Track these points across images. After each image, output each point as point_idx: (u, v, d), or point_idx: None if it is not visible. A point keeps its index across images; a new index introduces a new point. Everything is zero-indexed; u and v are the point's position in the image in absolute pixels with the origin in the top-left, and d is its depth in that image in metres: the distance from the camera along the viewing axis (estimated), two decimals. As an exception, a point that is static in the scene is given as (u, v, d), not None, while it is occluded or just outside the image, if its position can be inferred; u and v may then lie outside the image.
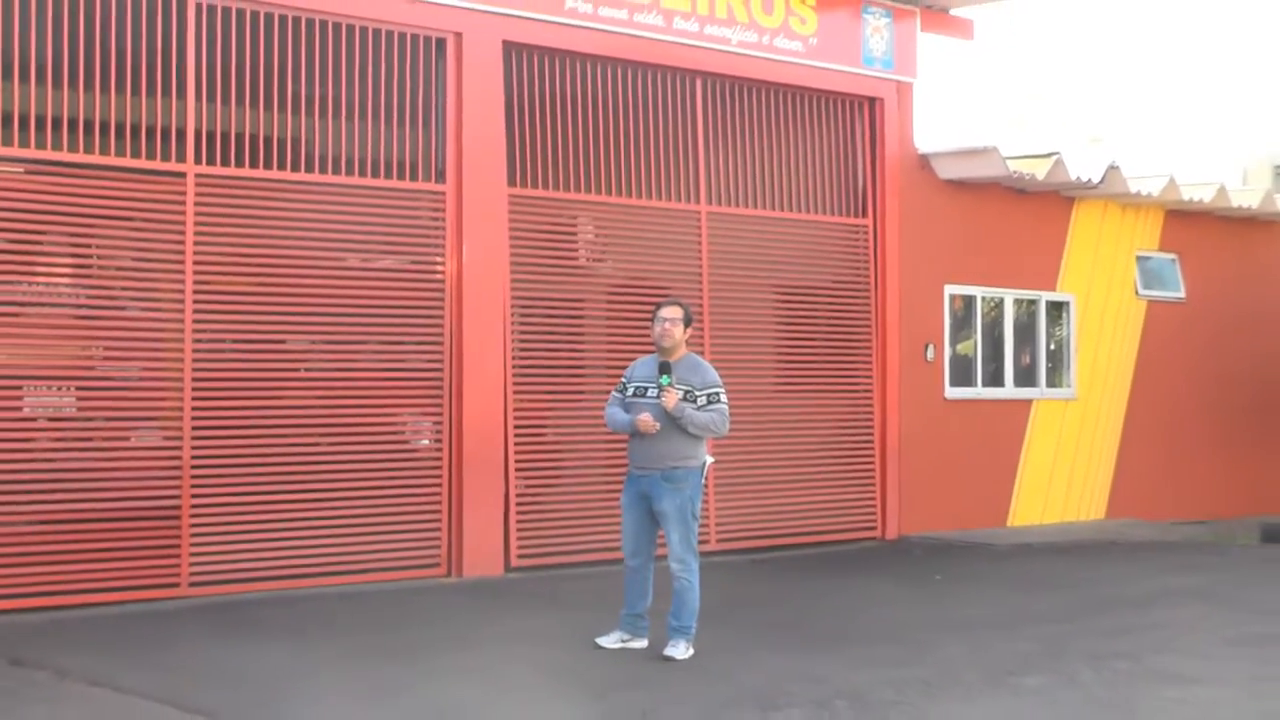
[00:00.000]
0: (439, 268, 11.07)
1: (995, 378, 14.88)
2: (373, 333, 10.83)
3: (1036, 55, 22.03)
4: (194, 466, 9.83)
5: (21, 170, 9.35)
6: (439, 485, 10.98)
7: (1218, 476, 16.50)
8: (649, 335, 8.29)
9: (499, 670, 7.75)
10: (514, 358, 11.39)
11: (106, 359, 9.80)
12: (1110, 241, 15.85)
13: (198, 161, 9.92)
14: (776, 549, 12.67)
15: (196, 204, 9.90)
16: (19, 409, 9.38)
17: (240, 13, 10.06)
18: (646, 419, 7.99)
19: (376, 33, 10.71)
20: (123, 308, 9.82)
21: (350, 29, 10.58)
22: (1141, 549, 13.64)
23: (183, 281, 9.84)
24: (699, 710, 6.80)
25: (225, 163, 10.07)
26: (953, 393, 14.38)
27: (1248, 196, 17.06)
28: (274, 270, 10.29)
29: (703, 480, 8.19)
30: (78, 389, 9.64)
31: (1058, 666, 7.87)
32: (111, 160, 9.63)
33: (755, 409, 12.30)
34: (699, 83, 12.57)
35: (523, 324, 11.55)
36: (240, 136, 10.14)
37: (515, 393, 11.37)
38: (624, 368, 8.55)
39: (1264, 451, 17.13)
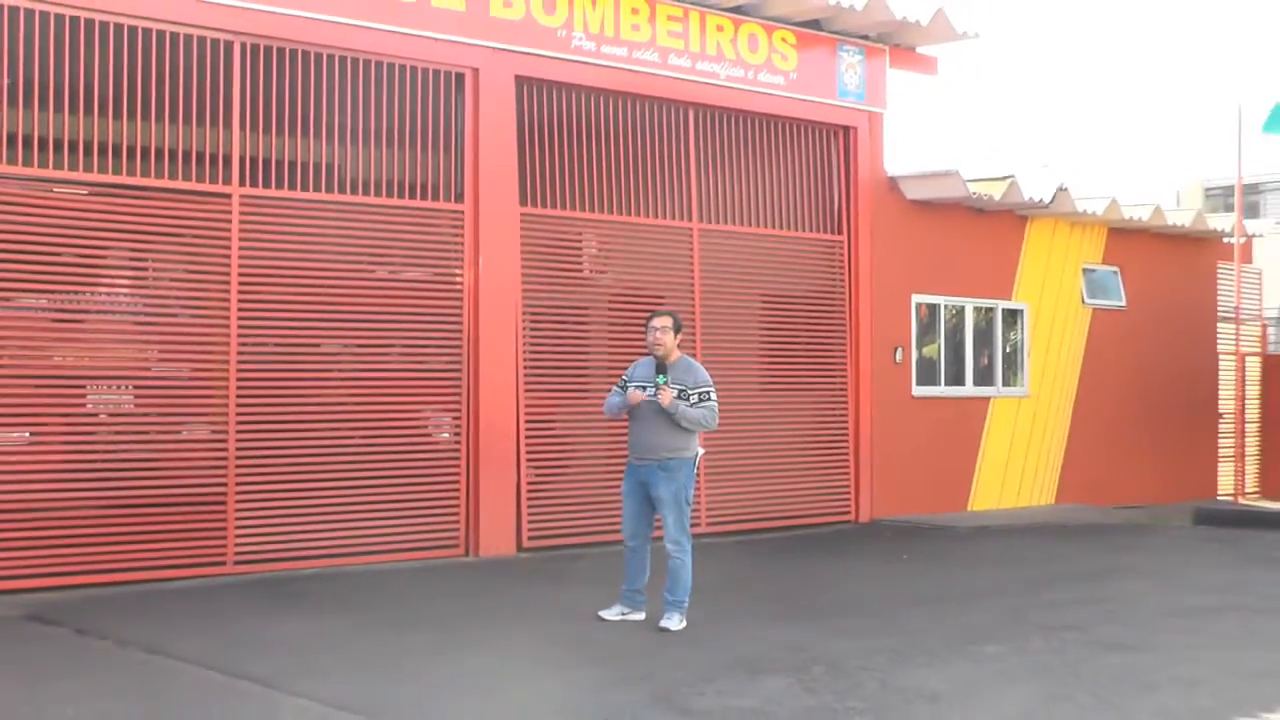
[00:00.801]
0: (458, 279, 11.07)
1: (957, 377, 14.87)
2: (399, 337, 10.84)
3: (995, 89, 22.11)
4: (238, 457, 9.84)
5: (86, 192, 9.38)
6: (458, 474, 10.98)
7: (1154, 466, 16.50)
8: (644, 340, 8.32)
9: (511, 639, 7.76)
10: (525, 360, 11.40)
11: (160, 360, 9.80)
12: (1059, 255, 15.87)
13: (242, 184, 9.94)
14: (761, 531, 12.65)
15: (241, 222, 9.91)
16: (83, 405, 9.43)
17: (280, 51, 10.07)
18: (636, 393, 8.05)
19: (402, 68, 10.72)
20: (175, 314, 9.85)
21: (379, 65, 10.59)
22: (1087, 531, 13.63)
23: (228, 291, 9.85)
24: (692, 675, 6.79)
25: (266, 185, 10.10)
26: (919, 391, 14.39)
27: (1181, 215, 17.10)
28: (310, 281, 10.28)
29: (695, 470, 8.21)
30: (135, 387, 9.67)
31: (1012, 636, 7.86)
32: (165, 183, 9.63)
33: (742, 405, 12.29)
34: (691, 113, 12.57)
35: (533, 329, 11.56)
36: (280, 161, 10.15)
37: (526, 391, 11.37)
38: (624, 369, 8.56)
39: (1194, 444, 17.14)
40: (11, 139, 8.94)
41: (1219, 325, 17.41)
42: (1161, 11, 24.79)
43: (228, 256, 9.86)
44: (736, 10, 12.62)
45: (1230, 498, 16.95)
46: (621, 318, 11.95)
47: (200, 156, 9.81)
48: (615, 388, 8.40)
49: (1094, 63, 25.39)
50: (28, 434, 9.16)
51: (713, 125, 12.75)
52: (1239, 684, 6.70)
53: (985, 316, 15.18)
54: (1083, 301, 16.11)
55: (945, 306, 14.76)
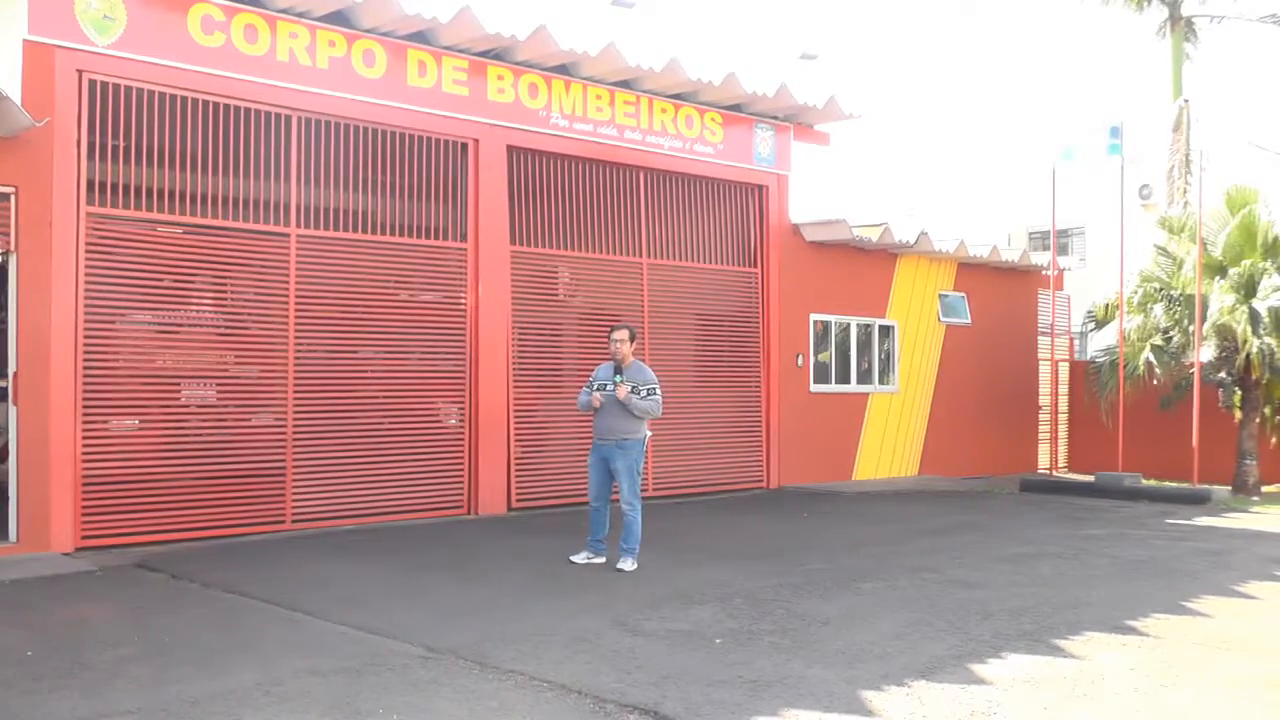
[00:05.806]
0: (462, 300, 11.10)
1: (844, 377, 14.96)
2: (417, 345, 10.85)
3: (872, 155, 22.39)
4: (295, 438, 9.86)
5: (180, 230, 9.35)
6: (463, 450, 11.02)
7: (991, 446, 16.67)
8: (608, 348, 8.40)
9: (504, 577, 7.78)
10: (514, 363, 11.43)
11: (236, 363, 9.77)
12: (921, 284, 16.03)
13: (298, 225, 9.95)
14: (695, 495, 12.75)
15: (297, 255, 9.93)
16: (178, 399, 9.39)
17: (327, 123, 10.12)
18: (598, 396, 8.13)
19: (423, 138, 10.77)
20: (247, 327, 9.82)
21: (405, 136, 10.64)
22: (941, 496, 13.72)
23: (287, 308, 9.86)
24: (642, 604, 6.87)
25: (317, 226, 10.10)
26: (815, 388, 14.48)
27: (1011, 253, 17.26)
28: (350, 301, 10.30)
29: (644, 448, 8.29)
30: (216, 384, 9.63)
31: (885, 575, 7.96)
32: (240, 224, 9.64)
33: (681, 398, 12.38)
34: (642, 175, 12.66)
35: (520, 340, 11.57)
36: (327, 208, 10.16)
37: (515, 387, 11.43)
38: (591, 371, 8.64)
39: (1019, 429, 17.30)
40: (125, 188, 8.93)
41: (1039, 338, 17.67)
42: (995, 92, 25.40)
43: (287, 281, 9.87)
44: (677, 97, 12.75)
45: (1047, 470, 17.22)
46: (588, 331, 12.02)
47: (266, 204, 9.81)
48: (585, 386, 8.43)
49: (947, 132, 25.85)
50: (137, 421, 9.12)
51: (659, 184, 12.84)
52: (1052, 612, 6.84)
53: (865, 331, 15.34)
54: (939, 319, 16.27)
55: (835, 323, 14.90)
